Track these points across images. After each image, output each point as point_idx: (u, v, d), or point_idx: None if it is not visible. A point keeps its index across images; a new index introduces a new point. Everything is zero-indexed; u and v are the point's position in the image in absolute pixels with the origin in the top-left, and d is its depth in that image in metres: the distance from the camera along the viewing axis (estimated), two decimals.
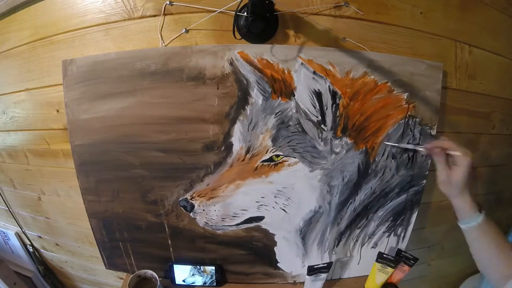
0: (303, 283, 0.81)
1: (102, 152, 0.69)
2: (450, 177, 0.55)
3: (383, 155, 0.69)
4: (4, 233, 1.04)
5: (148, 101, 0.63)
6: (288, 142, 0.65)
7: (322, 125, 0.65)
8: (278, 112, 0.63)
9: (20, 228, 1.00)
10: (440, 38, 0.65)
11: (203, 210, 0.72)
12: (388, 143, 0.68)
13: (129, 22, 0.60)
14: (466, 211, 0.56)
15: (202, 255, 0.80)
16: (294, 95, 0.62)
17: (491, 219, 0.56)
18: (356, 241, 0.79)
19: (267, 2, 0.53)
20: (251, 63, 0.60)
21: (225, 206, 0.71)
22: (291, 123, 0.64)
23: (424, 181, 0.74)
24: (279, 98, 0.62)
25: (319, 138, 0.66)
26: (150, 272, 0.77)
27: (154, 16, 0.59)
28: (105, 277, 0.98)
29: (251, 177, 0.68)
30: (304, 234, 0.76)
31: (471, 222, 0.55)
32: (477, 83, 0.72)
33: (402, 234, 0.80)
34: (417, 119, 0.68)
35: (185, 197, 0.71)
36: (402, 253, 0.75)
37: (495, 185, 0.92)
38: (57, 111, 0.70)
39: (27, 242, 1.03)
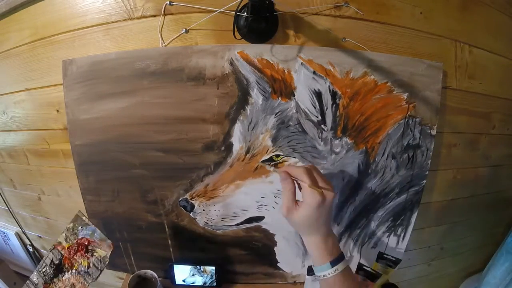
0: (303, 283, 0.81)
1: (102, 152, 0.69)
2: (291, 214, 0.46)
3: (383, 155, 0.69)
4: (4, 233, 1.04)
5: (148, 101, 0.63)
6: (288, 142, 0.65)
7: (322, 125, 0.65)
8: (278, 112, 0.63)
9: (20, 228, 1.00)
10: (440, 38, 0.65)
11: (203, 210, 0.72)
12: None
13: (129, 22, 0.60)
14: (315, 256, 0.47)
15: (202, 255, 0.80)
16: (294, 95, 0.62)
17: (345, 277, 0.46)
18: (356, 241, 0.79)
19: (267, 2, 0.53)
20: (251, 63, 0.60)
21: (225, 206, 0.71)
22: (291, 123, 0.64)
23: (424, 181, 0.74)
24: (279, 98, 0.62)
25: (319, 138, 0.66)
26: (150, 272, 0.77)
27: (154, 16, 0.59)
28: (105, 277, 0.97)
29: (251, 177, 0.68)
30: None
31: (318, 271, 0.47)
32: (477, 83, 0.72)
33: (402, 234, 0.80)
34: (417, 119, 0.68)
35: (185, 197, 0.71)
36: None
37: (495, 185, 0.92)
38: (57, 111, 0.70)
39: (27, 242, 1.03)
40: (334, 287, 0.46)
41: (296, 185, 0.48)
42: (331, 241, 0.48)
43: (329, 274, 0.46)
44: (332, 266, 0.46)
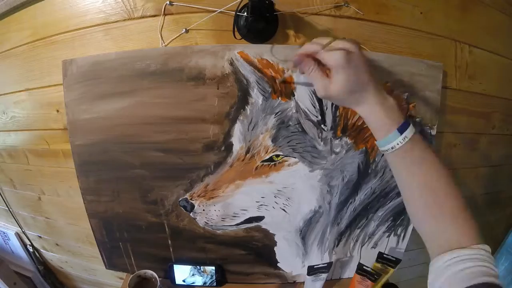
0: (303, 283, 0.81)
1: (102, 152, 0.69)
2: (329, 90, 0.40)
3: (383, 155, 0.69)
4: (4, 233, 1.04)
5: (148, 101, 0.63)
6: (288, 142, 0.65)
7: (322, 125, 0.65)
8: (278, 112, 0.63)
9: (20, 228, 1.00)
10: (440, 38, 0.65)
11: (203, 210, 0.72)
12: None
13: (129, 22, 0.60)
14: (376, 127, 0.41)
15: (202, 255, 0.80)
16: (294, 95, 0.62)
17: (421, 142, 0.40)
18: (356, 241, 0.79)
19: (267, 2, 0.53)
20: (251, 63, 0.60)
21: (225, 206, 0.71)
22: (291, 123, 0.64)
23: None
24: (279, 98, 0.62)
25: (319, 138, 0.66)
26: (150, 272, 0.77)
27: (154, 16, 0.59)
28: (105, 277, 0.98)
29: (251, 177, 0.68)
30: (304, 234, 0.76)
31: (385, 145, 0.40)
32: (477, 83, 0.72)
33: (402, 234, 0.80)
34: (417, 119, 0.68)
35: (185, 197, 0.71)
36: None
37: (495, 185, 0.92)
38: (57, 111, 0.70)
39: (27, 242, 1.03)
40: (406, 159, 0.40)
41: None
42: (390, 104, 0.40)
43: (398, 144, 0.39)
44: (401, 134, 0.38)
